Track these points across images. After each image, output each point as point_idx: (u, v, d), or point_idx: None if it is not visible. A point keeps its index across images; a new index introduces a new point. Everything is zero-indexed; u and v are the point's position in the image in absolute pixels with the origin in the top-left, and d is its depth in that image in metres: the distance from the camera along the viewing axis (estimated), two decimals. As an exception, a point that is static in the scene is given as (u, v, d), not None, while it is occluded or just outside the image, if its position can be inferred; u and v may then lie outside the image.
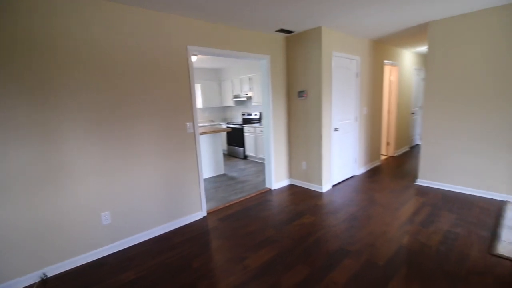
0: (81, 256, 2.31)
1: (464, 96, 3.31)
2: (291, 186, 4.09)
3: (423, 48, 5.49)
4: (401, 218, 2.87)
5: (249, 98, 6.22)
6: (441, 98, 3.50)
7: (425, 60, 6.60)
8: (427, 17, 3.26)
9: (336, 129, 3.88)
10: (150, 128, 2.63)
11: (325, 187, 3.82)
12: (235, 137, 6.31)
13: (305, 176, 3.98)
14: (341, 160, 4.10)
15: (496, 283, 1.83)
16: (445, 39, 3.37)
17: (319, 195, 3.67)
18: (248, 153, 6.04)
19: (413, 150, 6.23)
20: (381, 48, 4.74)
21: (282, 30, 3.50)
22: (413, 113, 6.37)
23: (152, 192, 2.71)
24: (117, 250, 2.51)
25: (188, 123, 2.91)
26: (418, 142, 6.82)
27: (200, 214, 3.13)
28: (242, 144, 6.12)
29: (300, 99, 3.83)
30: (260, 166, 5.38)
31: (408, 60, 5.82)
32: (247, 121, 6.50)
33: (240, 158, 6.22)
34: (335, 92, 3.76)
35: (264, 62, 3.66)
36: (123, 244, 2.54)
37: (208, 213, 3.24)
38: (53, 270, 2.18)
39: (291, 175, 4.21)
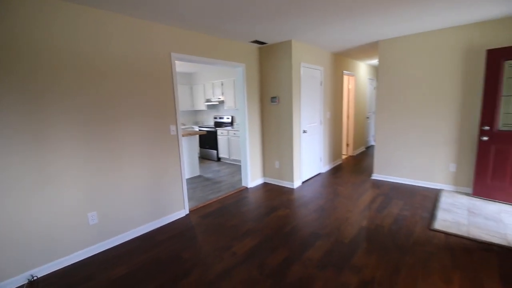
0: (70, 256, 2.35)
1: (409, 103, 3.98)
2: (265, 184, 4.42)
3: (375, 61, 6.30)
4: (360, 206, 3.37)
5: (221, 102, 6.46)
6: (390, 105, 4.15)
7: (377, 72, 7.52)
8: (377, 36, 3.87)
9: (304, 131, 4.32)
10: (136, 131, 2.75)
11: (296, 183, 4.22)
12: (208, 140, 6.48)
13: (278, 174, 4.35)
14: (309, 159, 4.56)
15: (434, 250, 2.35)
16: (392, 55, 4.03)
17: (291, 190, 4.06)
18: (221, 155, 6.25)
19: (368, 150, 7.03)
20: (341, 60, 5.36)
21: (256, 41, 3.85)
22: (367, 118, 7.20)
23: (138, 192, 2.82)
24: (105, 249, 2.58)
25: (171, 126, 3.08)
26: (372, 143, 7.68)
27: (183, 212, 3.29)
28: (215, 147, 6.31)
29: (272, 104, 4.20)
30: (234, 168, 5.63)
31: (363, 71, 6.60)
32: (218, 125, 6.71)
33: (214, 160, 6.40)
34: (303, 98, 4.21)
35: (240, 70, 3.96)
36: (110, 243, 2.61)
37: (190, 211, 3.40)
38: (41, 271, 2.19)
39: (265, 174, 4.54)
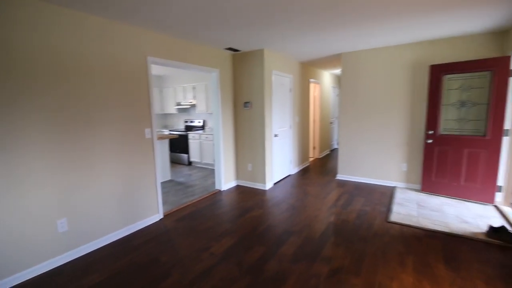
0: (38, 266, 2.22)
1: (368, 110, 4.42)
2: (238, 187, 4.53)
3: (338, 71, 6.81)
4: (328, 204, 3.66)
5: (193, 106, 6.44)
6: (352, 111, 4.56)
7: (339, 80, 8.11)
8: (340, 49, 4.26)
9: (276, 135, 4.54)
10: (110, 134, 2.70)
11: (268, 185, 4.41)
12: (179, 144, 6.40)
13: (250, 177, 4.50)
14: (280, 161, 4.78)
15: (391, 240, 2.67)
16: (353, 66, 4.46)
17: (263, 192, 4.23)
18: (192, 159, 6.22)
19: (333, 152, 7.52)
20: (307, 69, 5.73)
21: (230, 48, 3.98)
22: (331, 123, 7.71)
23: (111, 197, 2.75)
24: (76, 256, 2.47)
25: (146, 129, 3.06)
26: (335, 146, 8.23)
27: (157, 216, 3.26)
28: (186, 151, 6.26)
29: (245, 109, 4.35)
30: (206, 171, 5.65)
31: (327, 79, 7.08)
32: (189, 128, 6.67)
33: (184, 165, 6.34)
34: (274, 103, 4.43)
35: (215, 75, 4.05)
36: (82, 250, 2.51)
37: (164, 216, 3.38)
38: (6, 283, 2.04)
39: (238, 176, 4.66)
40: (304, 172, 5.41)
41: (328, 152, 7.50)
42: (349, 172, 4.76)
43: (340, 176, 4.86)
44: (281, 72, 4.55)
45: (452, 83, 3.67)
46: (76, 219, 2.48)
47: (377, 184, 4.47)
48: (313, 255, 2.42)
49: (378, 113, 4.34)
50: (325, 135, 7.19)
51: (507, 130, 3.31)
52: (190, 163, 6.34)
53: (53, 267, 2.32)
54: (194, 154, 6.16)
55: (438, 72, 3.68)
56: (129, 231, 2.93)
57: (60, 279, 2.17)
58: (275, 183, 4.65)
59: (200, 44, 3.69)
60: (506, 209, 3.29)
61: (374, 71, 4.29)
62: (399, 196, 3.85)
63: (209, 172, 5.58)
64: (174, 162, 6.60)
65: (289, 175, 5.16)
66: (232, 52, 4.25)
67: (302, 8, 2.43)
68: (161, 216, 3.33)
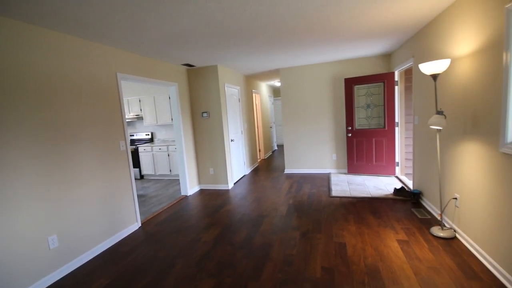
0: (36, 284, 2.21)
1: (304, 114, 5.46)
2: (202, 190, 4.90)
3: (273, 82, 7.86)
4: (284, 192, 4.44)
5: (140, 118, 6.42)
6: (292, 116, 5.53)
7: (274, 91, 9.23)
8: (278, 65, 5.18)
9: (232, 140, 5.12)
10: (89, 150, 2.80)
11: (230, 185, 4.93)
12: (127, 159, 6.25)
13: (213, 180, 4.93)
14: (237, 164, 5.36)
15: (335, 208, 3.58)
16: (290, 79, 5.45)
17: (227, 191, 4.73)
18: (145, 172, 6.18)
19: (274, 153, 8.52)
20: (250, 81, 6.52)
21: (186, 64, 4.40)
22: (271, 127, 8.72)
23: (94, 210, 2.83)
24: (72, 270, 2.51)
25: (121, 142, 3.22)
26: (275, 148, 9.28)
27: (136, 225, 3.40)
28: (137, 165, 6.18)
29: (204, 118, 4.80)
30: (163, 182, 5.75)
31: (264, 90, 8.06)
32: (134, 142, 6.58)
33: (136, 179, 6.22)
34: (228, 112, 5.02)
35: (174, 88, 4.39)
36: (74, 264, 2.55)
37: (142, 224, 3.53)
38: (6, 304, 2.02)
39: (200, 181, 5.02)
40: (256, 171, 6.13)
41: (271, 153, 8.46)
42: (294, 166, 5.70)
43: (287, 171, 5.75)
44: (231, 84, 5.18)
45: (360, 91, 4.99)
46: (65, 235, 2.52)
47: (316, 173, 5.53)
48: (286, 227, 3.10)
49: (312, 116, 5.42)
50: (267, 139, 8.12)
51: (397, 122, 4.75)
52: (142, 177, 6.27)
53: (51, 282, 2.33)
54: (147, 167, 6.14)
55: (350, 83, 4.95)
56: (114, 241, 3.03)
57: (63, 291, 2.24)
58: (234, 183, 5.20)
59: (161, 61, 4.01)
60: (403, 177, 4.69)
61: (306, 83, 5.37)
62: (334, 179, 4.94)
63: (167, 182, 5.71)
64: (123, 177, 6.37)
65: (244, 175, 5.78)
66: (187, 67, 4.67)
67: (250, 38, 3.14)
68: (139, 225, 3.48)
